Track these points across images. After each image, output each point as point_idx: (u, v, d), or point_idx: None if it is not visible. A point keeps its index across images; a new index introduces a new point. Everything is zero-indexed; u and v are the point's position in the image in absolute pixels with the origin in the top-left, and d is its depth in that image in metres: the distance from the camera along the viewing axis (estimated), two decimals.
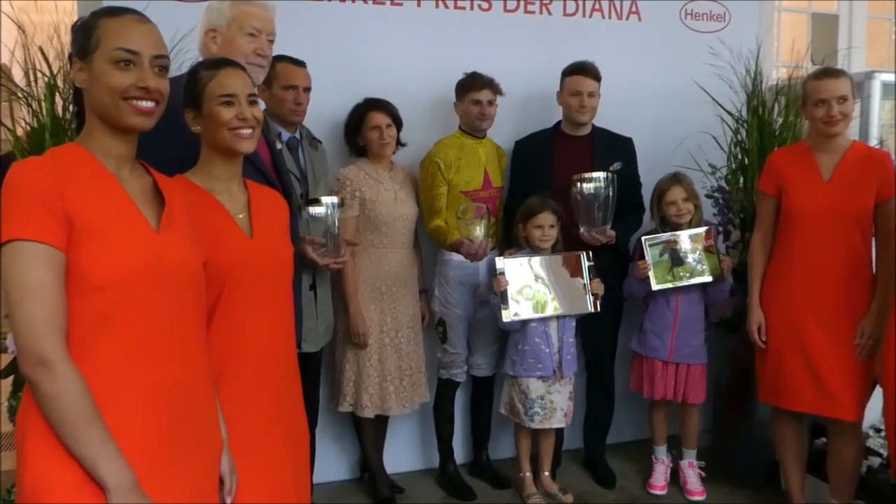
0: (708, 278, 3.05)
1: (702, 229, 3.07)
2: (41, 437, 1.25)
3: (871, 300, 2.60)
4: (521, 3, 3.40)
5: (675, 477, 3.29)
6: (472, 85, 3.06)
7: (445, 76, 3.14)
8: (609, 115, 3.23)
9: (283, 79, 2.70)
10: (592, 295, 2.99)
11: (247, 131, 1.67)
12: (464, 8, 3.32)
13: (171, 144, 1.56)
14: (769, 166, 2.80)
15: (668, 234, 3.06)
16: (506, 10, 3.38)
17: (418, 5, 3.25)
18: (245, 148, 1.69)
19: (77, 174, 1.32)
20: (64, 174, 1.30)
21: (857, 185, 2.59)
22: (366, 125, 2.97)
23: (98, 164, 1.37)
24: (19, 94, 2.36)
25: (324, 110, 2.98)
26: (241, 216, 1.69)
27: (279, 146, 2.56)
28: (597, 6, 3.51)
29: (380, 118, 2.96)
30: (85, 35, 1.37)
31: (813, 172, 2.66)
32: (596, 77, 3.11)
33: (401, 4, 3.23)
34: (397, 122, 3.02)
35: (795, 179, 2.69)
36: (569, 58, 3.17)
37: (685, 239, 3.05)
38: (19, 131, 2.41)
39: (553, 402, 3.04)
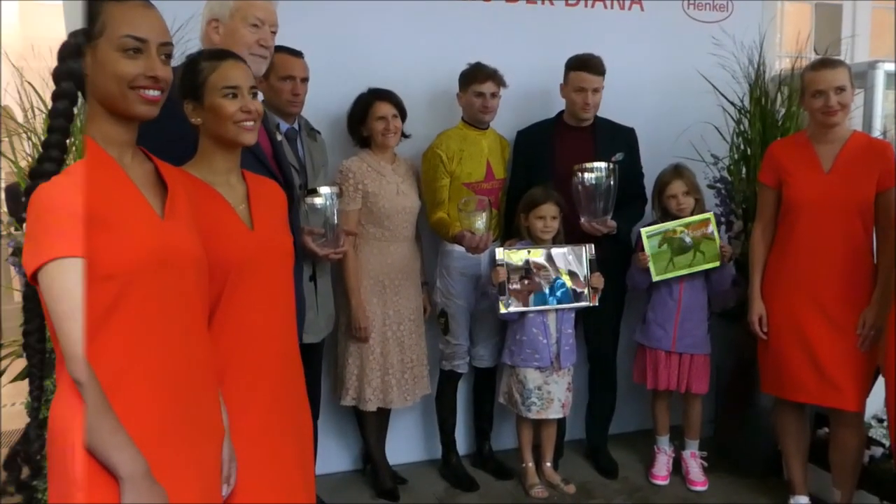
0: (708, 265, 3.04)
1: (700, 216, 3.05)
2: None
3: (872, 290, 2.59)
4: None
5: (678, 467, 3.29)
6: (476, 76, 3.03)
7: (447, 67, 3.11)
8: (611, 105, 3.22)
9: (280, 69, 2.66)
10: (592, 288, 2.99)
11: (250, 123, 1.67)
12: None
13: (167, 136, 1.55)
14: (768, 158, 2.79)
15: (666, 223, 3.05)
16: (508, 1, 3.36)
17: None
18: (248, 140, 1.69)
19: (85, 164, 1.31)
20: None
21: (858, 175, 2.57)
22: (371, 115, 2.95)
23: (102, 151, 1.36)
24: (21, 131, 2.57)
25: (323, 101, 2.97)
26: (241, 207, 1.69)
27: (279, 137, 2.56)
28: None
29: (386, 108, 2.94)
30: (89, 19, 1.34)
31: (813, 163, 2.65)
32: (601, 72, 3.08)
33: None
34: (402, 113, 3.00)
35: (795, 171, 2.68)
36: (571, 48, 3.14)
37: (683, 227, 3.04)
38: (23, 163, 2.60)
39: (550, 393, 3.04)
